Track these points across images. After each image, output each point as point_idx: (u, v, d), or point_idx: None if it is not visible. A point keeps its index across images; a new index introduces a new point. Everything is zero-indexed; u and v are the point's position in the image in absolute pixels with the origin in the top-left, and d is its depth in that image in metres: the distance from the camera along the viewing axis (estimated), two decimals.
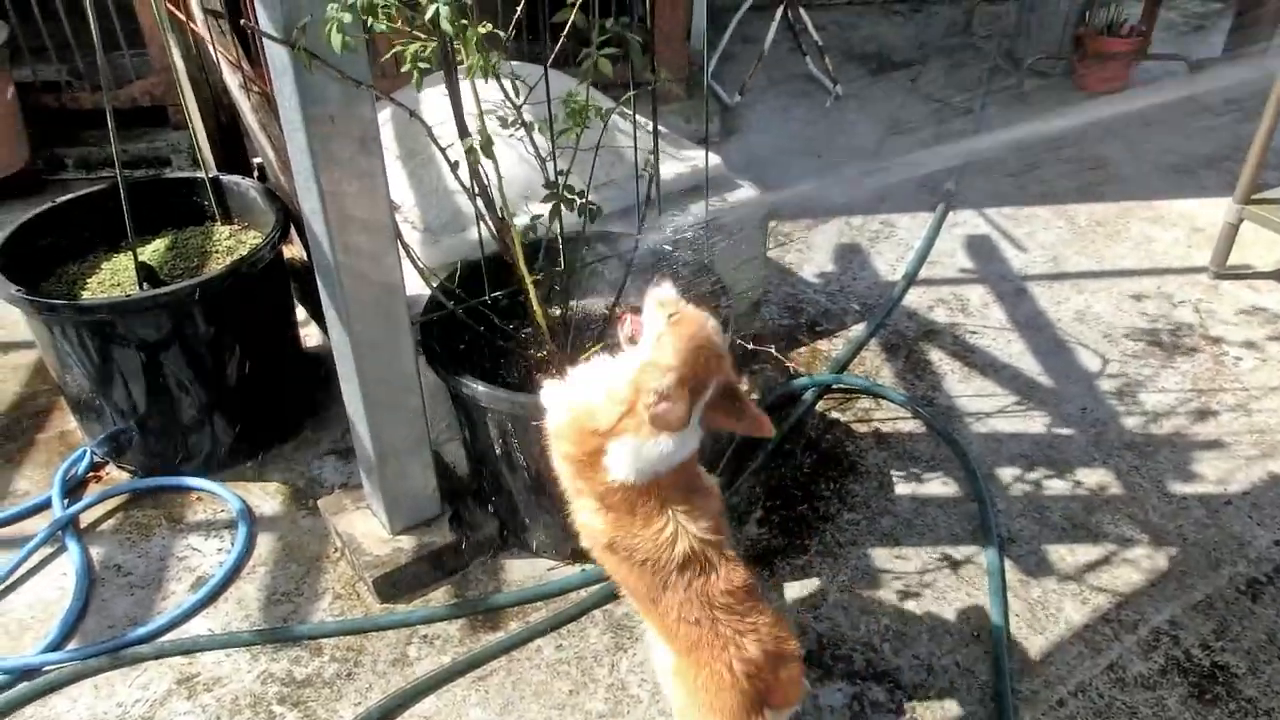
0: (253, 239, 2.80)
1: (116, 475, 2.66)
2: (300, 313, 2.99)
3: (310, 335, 3.09)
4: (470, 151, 1.89)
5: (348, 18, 1.56)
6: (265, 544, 2.45)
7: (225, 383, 2.60)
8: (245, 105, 2.62)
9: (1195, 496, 2.55)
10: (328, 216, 1.88)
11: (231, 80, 2.63)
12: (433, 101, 2.15)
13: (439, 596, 2.30)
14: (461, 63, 1.80)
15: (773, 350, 2.28)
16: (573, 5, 1.84)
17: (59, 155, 4.10)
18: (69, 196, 2.77)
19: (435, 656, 2.16)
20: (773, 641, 1.63)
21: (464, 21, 1.67)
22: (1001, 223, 3.81)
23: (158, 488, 2.60)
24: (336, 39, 1.56)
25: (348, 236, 1.93)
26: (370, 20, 1.64)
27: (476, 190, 2.01)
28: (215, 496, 2.58)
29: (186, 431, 2.62)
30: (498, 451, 2.26)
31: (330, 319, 2.08)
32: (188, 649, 2.18)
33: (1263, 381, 2.95)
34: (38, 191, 3.96)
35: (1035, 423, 2.80)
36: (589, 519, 1.71)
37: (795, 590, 2.30)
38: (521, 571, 2.37)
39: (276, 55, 1.75)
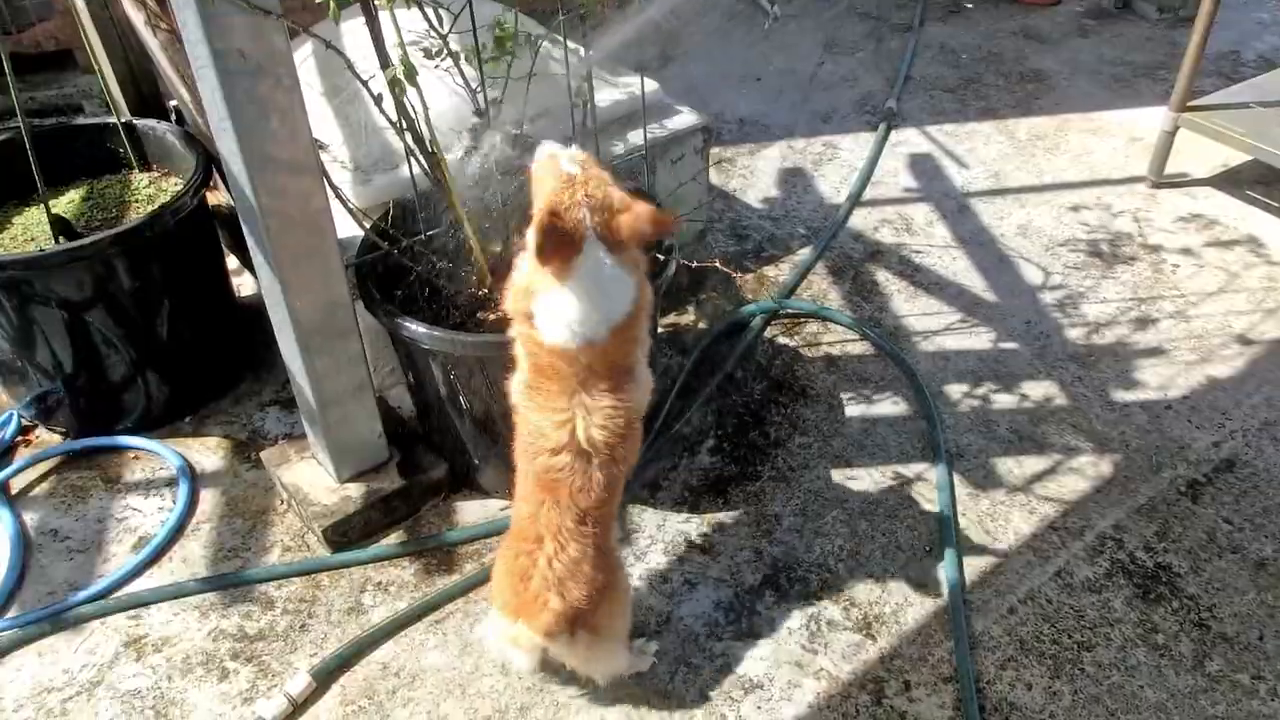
0: (174, 186, 2.68)
1: (47, 438, 2.57)
2: (232, 262, 2.89)
3: (244, 285, 2.99)
4: (394, 83, 1.81)
5: None
6: (208, 500, 2.39)
7: (155, 338, 2.51)
8: (153, 43, 2.48)
9: (1137, 403, 2.60)
10: (246, 158, 1.79)
11: (136, 17, 2.48)
12: (355, 34, 2.04)
13: (391, 542, 2.27)
14: None
15: (719, 265, 2.23)
16: None
17: None
18: None
19: (390, 603, 2.14)
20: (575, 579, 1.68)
21: None
22: (943, 140, 3.78)
23: (92, 449, 2.52)
24: None
25: (269, 178, 1.84)
26: None
27: (405, 125, 1.93)
28: (153, 454, 2.50)
29: (117, 390, 2.53)
30: (443, 393, 2.21)
31: (259, 264, 2.00)
32: (133, 604, 2.13)
33: (1199, 287, 2.99)
34: None
35: (981, 339, 2.82)
36: (517, 376, 1.73)
37: (749, 516, 2.31)
38: (474, 513, 2.34)
39: None
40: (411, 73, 1.76)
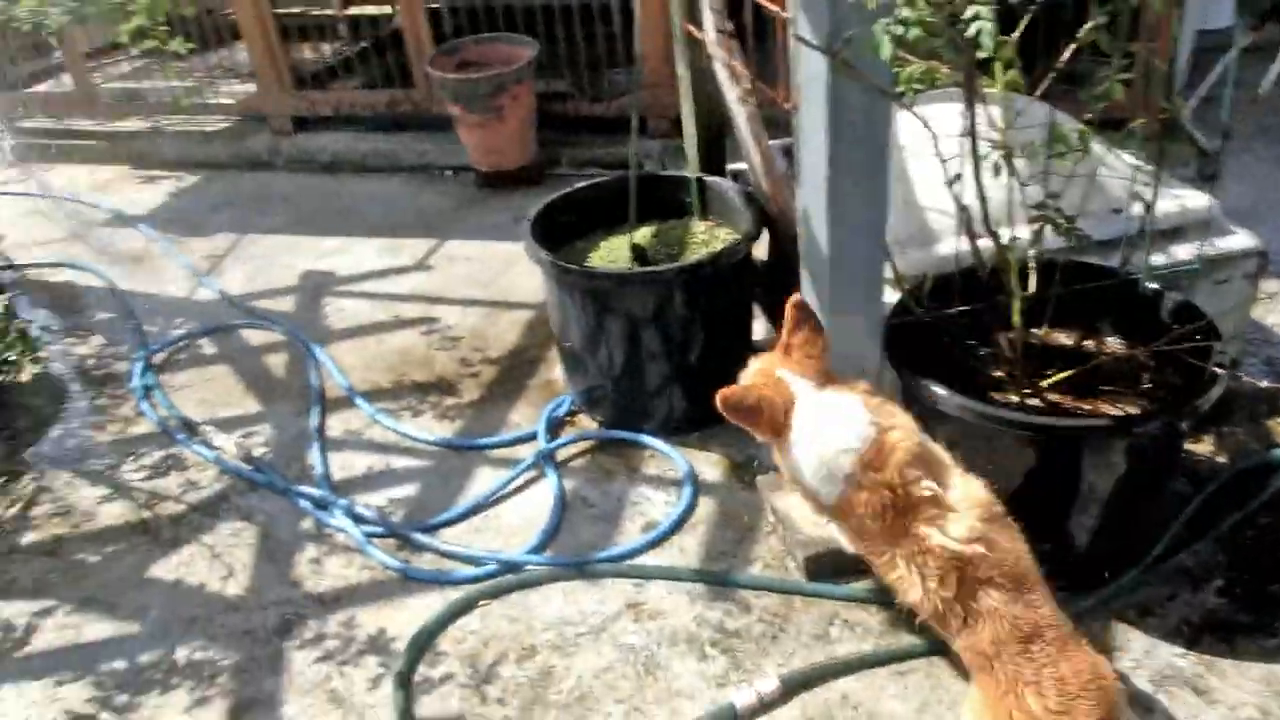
0: (725, 235, 3.11)
1: (587, 423, 3.09)
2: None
3: (756, 330, 3.34)
4: (990, 166, 1.96)
5: (900, 30, 1.71)
6: (705, 506, 2.71)
7: (687, 359, 2.92)
8: (740, 114, 2.92)
9: None
10: (832, 215, 2.06)
11: (730, 92, 2.94)
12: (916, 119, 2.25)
13: (861, 587, 2.40)
14: (985, 80, 1.89)
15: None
16: (1095, 25, 1.86)
17: (556, 154, 4.79)
18: (581, 185, 3.26)
19: (856, 641, 2.27)
20: None
21: (1001, 39, 1.76)
22: None
23: (620, 440, 2.98)
24: (887, 49, 1.72)
25: (842, 236, 2.10)
26: (908, 34, 1.79)
27: (979, 201, 2.08)
28: (666, 456, 2.89)
29: (649, 396, 2.97)
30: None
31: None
32: (637, 574, 2.49)
33: None
34: (538, 182, 4.67)
35: None
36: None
37: (1259, 671, 2.09)
38: None
39: (810, 64, 1.96)
40: (1010, 156, 1.91)
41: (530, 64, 4.39)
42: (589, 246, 3.12)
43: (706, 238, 3.12)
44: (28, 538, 2.83)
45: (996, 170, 1.96)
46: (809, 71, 1.96)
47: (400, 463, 3.01)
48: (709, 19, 2.94)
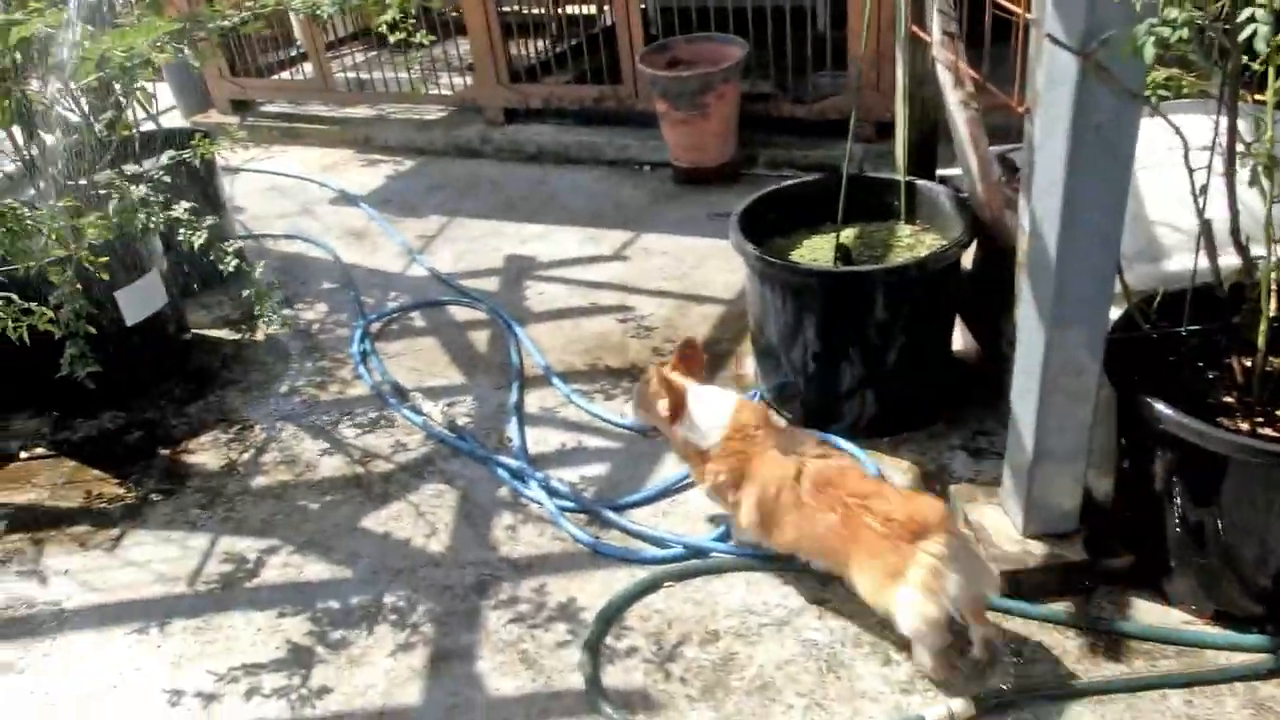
0: (931, 240, 3.04)
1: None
2: None
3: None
4: (1257, 175, 1.85)
5: (1167, 32, 1.63)
6: None
7: (884, 363, 2.88)
8: (959, 118, 2.85)
9: None
10: (1064, 219, 1.99)
11: (951, 96, 2.87)
12: (1154, 128, 2.13)
13: (1057, 609, 2.30)
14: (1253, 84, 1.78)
15: None
16: None
17: (754, 153, 4.82)
18: (789, 182, 3.28)
19: (1050, 664, 2.18)
20: None
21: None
22: None
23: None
24: (1150, 52, 1.65)
25: (1074, 244, 2.02)
26: (1173, 37, 1.70)
27: (1229, 215, 1.97)
28: (855, 458, 2.87)
29: (840, 397, 2.95)
30: (1159, 486, 2.19)
31: (1025, 315, 2.19)
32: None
33: None
34: (734, 181, 4.72)
35: None
36: None
37: None
38: (1151, 616, 2.27)
39: (1056, 65, 1.90)
40: (1274, 165, 1.79)
41: (739, 64, 4.44)
42: (790, 244, 3.13)
43: (912, 241, 3.07)
44: (258, 481, 3.11)
45: (1253, 182, 1.83)
46: (1054, 73, 1.90)
47: (592, 442, 3.12)
48: (936, 20, 2.88)
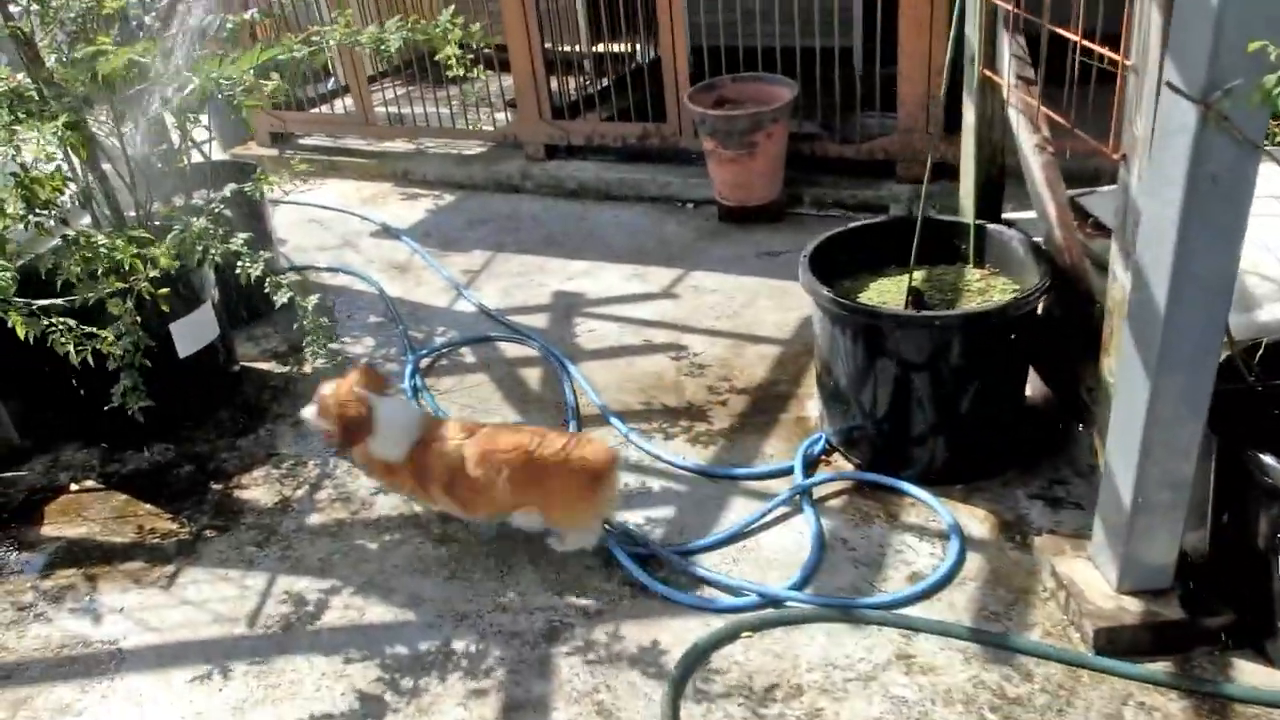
0: (1002, 284, 3.01)
1: (842, 463, 3.05)
2: None
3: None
4: None
5: None
6: (974, 562, 2.61)
7: (955, 409, 2.83)
8: (1035, 163, 2.82)
9: None
10: (1175, 268, 1.94)
11: (1027, 140, 2.85)
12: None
13: (1155, 669, 2.24)
14: None
15: None
16: None
17: (798, 192, 4.81)
18: (854, 224, 3.24)
19: None
20: None
21: None
22: None
23: (877, 484, 2.92)
24: None
25: (1183, 292, 1.97)
26: None
27: None
28: (927, 506, 2.81)
29: (910, 443, 2.90)
30: (1262, 542, 2.13)
31: (1127, 368, 2.14)
32: (905, 625, 2.42)
33: None
34: (778, 220, 4.70)
35: None
36: None
37: None
38: (1255, 678, 2.20)
39: (1174, 115, 1.87)
40: None
41: (789, 104, 4.44)
42: (856, 286, 3.09)
43: (982, 286, 3.03)
44: (313, 519, 3.06)
45: None
46: (1170, 122, 1.87)
47: (654, 484, 3.06)
48: (1008, 65, 2.87)
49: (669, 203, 5.06)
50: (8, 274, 2.52)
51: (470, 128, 5.57)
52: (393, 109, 5.79)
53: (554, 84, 5.39)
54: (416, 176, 5.68)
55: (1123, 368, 2.17)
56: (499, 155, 5.59)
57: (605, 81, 5.70)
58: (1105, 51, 2.24)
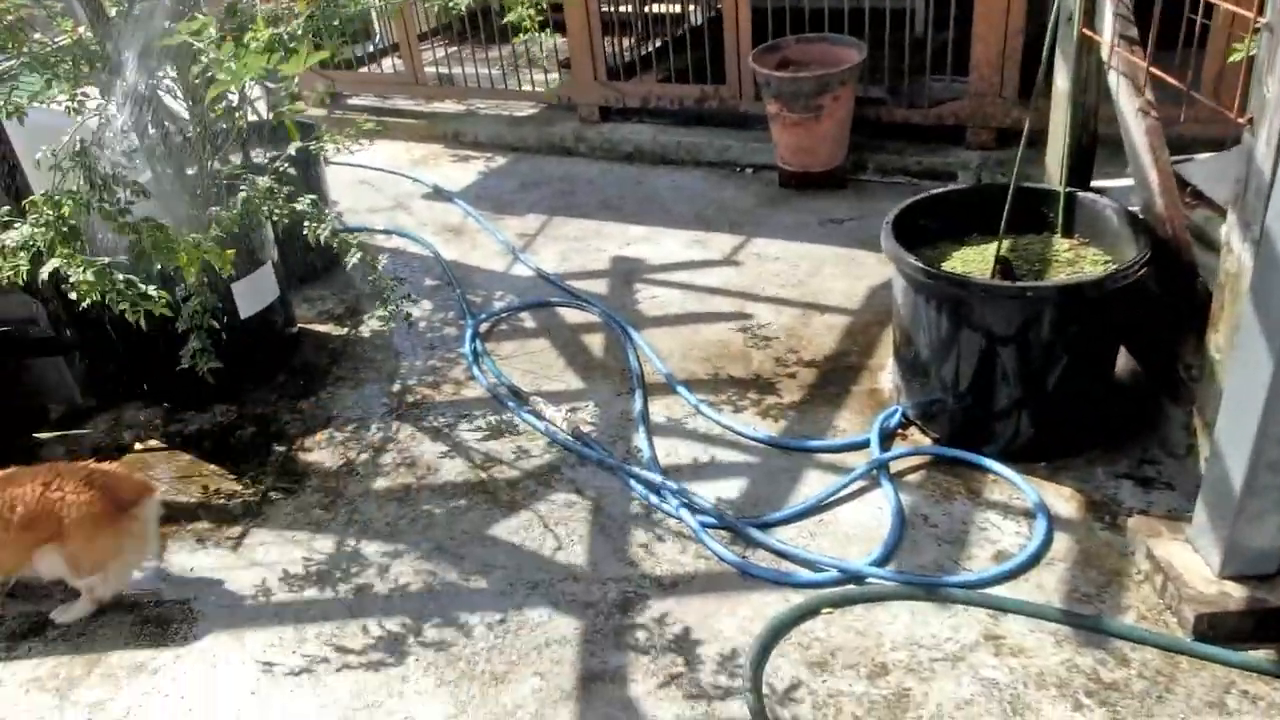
0: (1093, 255, 2.89)
1: (919, 438, 2.96)
2: None
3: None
4: None
5: None
6: (1062, 542, 2.53)
7: (1042, 384, 2.73)
8: (1138, 129, 2.70)
9: None
10: None
11: (1128, 104, 2.72)
12: None
13: (1260, 656, 2.15)
14: None
15: None
16: None
17: (862, 159, 4.68)
18: (935, 191, 3.13)
19: (1257, 717, 2.03)
20: None
21: None
22: None
23: (957, 460, 2.83)
24: None
25: None
26: None
27: None
28: (1010, 484, 2.72)
29: (992, 418, 2.81)
30: None
31: (1246, 344, 2.04)
32: (993, 605, 2.34)
33: None
34: (841, 186, 4.58)
35: None
36: None
37: None
38: None
39: None
40: None
41: (857, 66, 4.30)
42: (938, 255, 2.98)
43: (1071, 256, 2.92)
44: (379, 483, 3.02)
45: None
46: None
47: (724, 455, 3.00)
48: (1110, 24, 2.74)
49: (727, 168, 4.94)
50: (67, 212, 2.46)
51: (523, 88, 5.47)
52: (442, 69, 5.70)
53: (608, 44, 5.27)
54: (467, 138, 5.60)
55: (1240, 345, 2.07)
56: (551, 117, 5.49)
57: (659, 42, 5.57)
58: (1238, 9, 2.12)
